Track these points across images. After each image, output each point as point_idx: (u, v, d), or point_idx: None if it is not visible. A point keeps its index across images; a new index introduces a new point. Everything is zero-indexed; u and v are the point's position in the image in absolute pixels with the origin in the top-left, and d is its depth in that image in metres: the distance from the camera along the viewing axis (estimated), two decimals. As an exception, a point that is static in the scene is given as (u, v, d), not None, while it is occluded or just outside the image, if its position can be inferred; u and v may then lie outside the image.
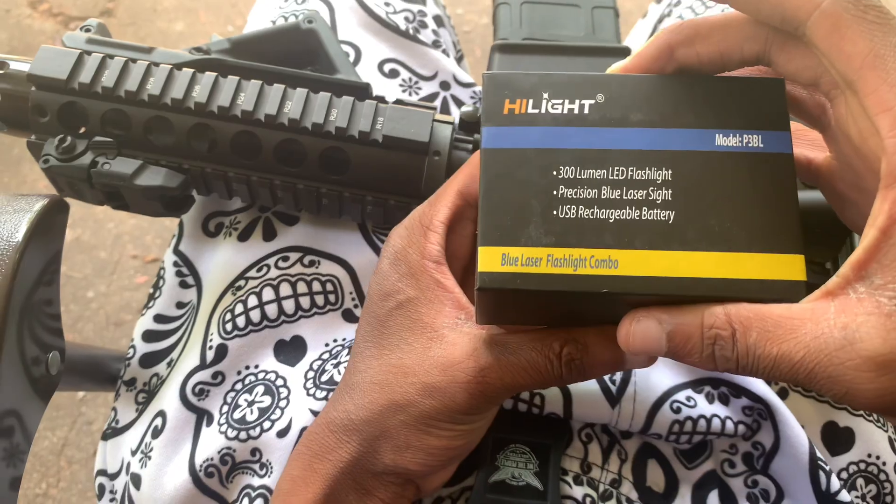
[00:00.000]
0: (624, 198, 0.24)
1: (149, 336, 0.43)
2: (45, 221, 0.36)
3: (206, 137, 0.38)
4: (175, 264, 0.43)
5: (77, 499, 0.98)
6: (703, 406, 0.35)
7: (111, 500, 0.40)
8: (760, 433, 0.36)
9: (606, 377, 0.35)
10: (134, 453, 0.39)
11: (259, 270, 0.40)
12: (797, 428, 0.34)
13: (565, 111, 0.25)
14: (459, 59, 0.57)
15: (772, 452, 0.35)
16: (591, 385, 0.34)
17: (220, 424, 0.37)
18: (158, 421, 0.38)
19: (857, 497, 0.36)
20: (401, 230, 0.30)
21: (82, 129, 0.39)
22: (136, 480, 0.38)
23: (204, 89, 0.38)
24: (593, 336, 0.26)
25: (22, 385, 0.35)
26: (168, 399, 0.39)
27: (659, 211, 0.24)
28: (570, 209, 0.24)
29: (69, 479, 0.99)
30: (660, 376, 0.35)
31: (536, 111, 0.25)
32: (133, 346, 0.43)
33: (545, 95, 0.25)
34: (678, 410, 0.34)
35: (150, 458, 0.37)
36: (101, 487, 0.41)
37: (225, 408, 0.37)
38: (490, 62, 0.46)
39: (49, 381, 0.37)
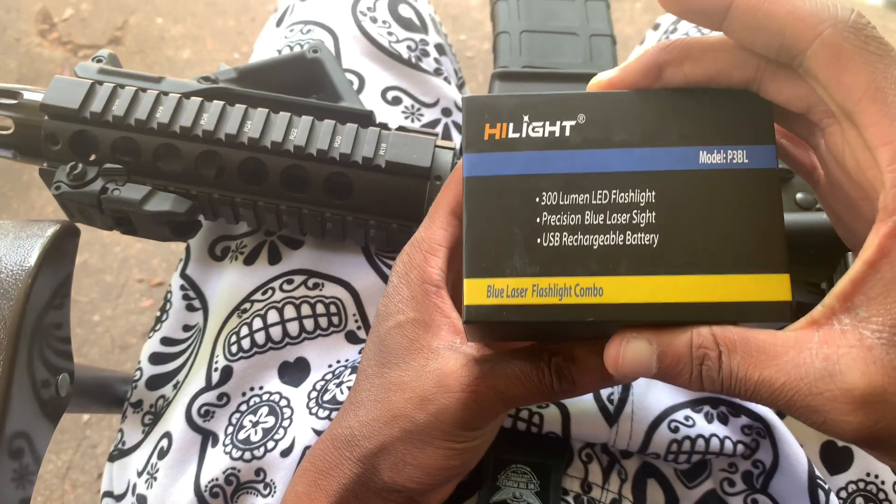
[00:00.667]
0: (608, 223, 0.24)
1: (155, 358, 0.44)
2: (56, 247, 0.37)
3: (214, 164, 0.39)
4: (182, 287, 0.44)
5: (81, 523, 0.98)
6: (701, 425, 0.35)
7: (117, 522, 0.40)
8: (759, 452, 0.36)
9: (604, 396, 0.35)
10: (140, 474, 0.39)
11: (264, 293, 0.40)
12: (796, 447, 0.34)
13: (546, 134, 0.25)
14: (461, 86, 0.58)
15: (771, 471, 0.35)
16: (589, 404, 0.35)
17: (226, 445, 0.37)
18: (164, 442, 0.39)
19: (856, 516, 0.36)
20: (404, 255, 0.31)
21: (93, 157, 0.40)
22: (143, 501, 0.38)
23: (212, 117, 0.39)
24: (581, 349, 0.26)
25: (31, 407, 0.36)
26: (174, 420, 0.39)
27: (643, 235, 0.24)
28: (553, 237, 0.24)
29: (73, 502, 0.99)
30: (657, 395, 0.36)
31: (517, 135, 0.25)
32: (140, 369, 0.44)
33: (525, 118, 0.25)
34: (676, 430, 0.35)
35: (155, 479, 0.38)
36: (108, 509, 0.41)
37: (230, 429, 0.38)
38: (490, 90, 0.47)
39: (58, 403, 0.37)
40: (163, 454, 0.38)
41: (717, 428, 0.35)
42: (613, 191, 0.24)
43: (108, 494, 0.41)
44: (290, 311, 0.40)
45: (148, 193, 0.39)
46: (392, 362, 0.29)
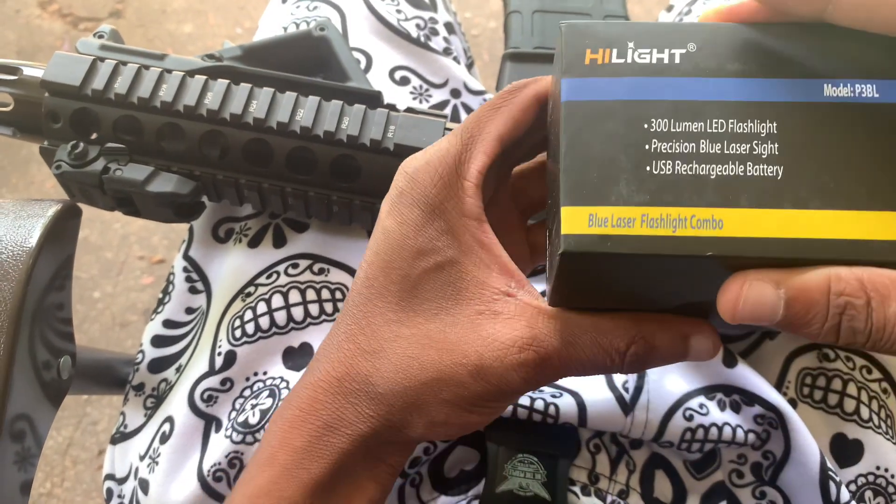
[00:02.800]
0: (726, 152, 0.22)
1: (158, 341, 0.43)
2: (58, 227, 0.36)
3: (218, 144, 0.38)
4: (185, 269, 0.44)
5: (81, 499, 0.99)
6: (715, 414, 0.35)
7: (119, 505, 0.40)
8: (770, 442, 0.36)
9: (619, 384, 0.35)
10: (142, 458, 0.39)
11: (269, 277, 0.40)
12: (809, 438, 0.34)
13: (654, 61, 0.23)
14: (470, 66, 0.57)
15: (781, 462, 0.35)
16: (605, 394, 0.35)
17: (227, 430, 0.37)
18: (167, 427, 0.39)
19: (865, 510, 0.36)
20: (431, 174, 0.26)
21: (94, 136, 0.39)
22: (145, 485, 0.38)
23: (216, 96, 0.38)
24: (661, 333, 0.24)
25: (33, 389, 0.35)
26: (176, 405, 0.39)
27: (765, 166, 0.22)
28: (665, 164, 0.22)
29: (74, 478, 1.00)
30: (672, 383, 0.35)
31: (622, 61, 0.23)
32: (142, 351, 0.44)
33: (630, 45, 0.23)
34: (690, 418, 0.34)
35: (157, 463, 0.38)
36: (110, 492, 0.41)
37: (233, 414, 0.38)
38: (501, 71, 0.46)
39: (60, 385, 0.37)
40: (165, 438, 0.38)
41: (729, 416, 0.35)
42: (731, 120, 0.22)
43: (110, 477, 0.41)
44: (294, 296, 0.39)
45: (151, 174, 0.38)
46: (428, 310, 0.25)
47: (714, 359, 0.36)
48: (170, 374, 0.42)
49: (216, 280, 0.42)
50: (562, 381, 0.35)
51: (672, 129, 0.22)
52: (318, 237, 0.41)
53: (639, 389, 0.35)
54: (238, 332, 0.39)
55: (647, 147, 0.22)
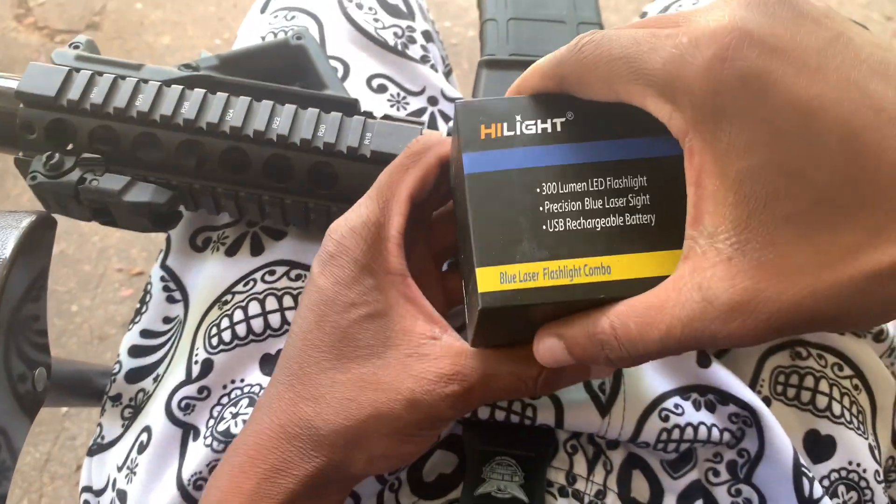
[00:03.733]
0: (607, 206, 0.25)
1: (135, 351, 0.43)
2: (32, 238, 0.36)
3: (195, 153, 0.38)
4: (162, 279, 0.43)
5: (60, 515, 0.97)
6: (690, 413, 0.35)
7: (97, 517, 0.40)
8: (745, 440, 0.36)
9: (595, 386, 0.35)
10: (120, 469, 0.39)
11: (246, 285, 0.40)
12: (782, 435, 0.35)
13: (539, 130, 0.26)
14: (448, 74, 0.58)
15: (756, 460, 0.36)
16: (582, 395, 0.35)
17: (206, 438, 0.37)
18: (144, 436, 0.38)
19: (838, 504, 0.37)
20: (356, 239, 0.29)
21: (70, 146, 0.39)
22: (122, 497, 0.37)
23: (193, 106, 0.38)
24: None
25: (8, 402, 0.35)
26: (154, 414, 0.39)
27: (640, 216, 0.25)
28: (558, 223, 0.25)
29: (52, 494, 0.98)
30: (649, 383, 0.36)
31: (512, 133, 0.26)
32: (119, 362, 0.43)
33: (518, 118, 0.26)
34: (666, 419, 0.35)
35: (135, 473, 0.37)
36: (87, 504, 0.40)
37: (211, 422, 0.37)
38: (477, 78, 0.47)
39: (35, 397, 0.37)
40: (142, 448, 0.38)
41: (704, 416, 0.36)
42: (608, 178, 0.25)
43: (87, 489, 0.41)
44: (271, 303, 0.39)
45: (127, 184, 0.38)
46: (361, 357, 0.28)
47: (689, 359, 0.36)
48: (147, 384, 0.42)
49: (193, 289, 0.42)
50: None
51: (560, 191, 0.26)
52: (296, 244, 0.41)
53: (615, 391, 0.35)
54: (215, 341, 0.38)
55: (540, 208, 0.25)
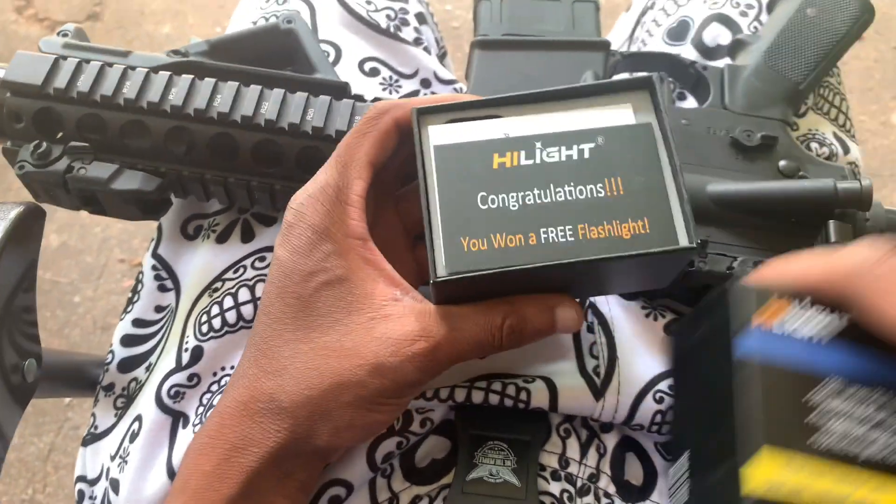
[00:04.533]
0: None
1: (127, 340, 0.43)
2: (21, 229, 0.36)
3: (183, 140, 0.38)
4: (154, 268, 0.43)
5: (64, 503, 0.98)
6: None
7: (91, 506, 0.40)
8: None
9: (590, 369, 0.35)
10: (113, 458, 0.39)
11: (236, 272, 0.40)
12: None
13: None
14: (442, 56, 0.57)
15: None
16: (576, 379, 0.35)
17: (195, 425, 0.36)
18: (136, 425, 0.38)
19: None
20: (315, 205, 0.28)
21: (59, 135, 0.39)
22: (115, 485, 0.37)
23: (180, 92, 0.38)
24: (530, 307, 0.28)
25: (0, 392, 0.35)
26: (145, 403, 0.38)
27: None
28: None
29: (55, 484, 0.99)
30: (643, 365, 0.35)
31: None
32: (112, 351, 0.43)
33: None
34: (661, 400, 0.34)
35: (127, 462, 0.37)
36: (81, 493, 0.40)
37: (200, 409, 0.37)
38: (469, 59, 0.46)
39: (26, 388, 0.36)
40: (134, 437, 0.38)
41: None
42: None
43: (82, 479, 0.41)
44: (261, 289, 0.39)
45: (115, 172, 0.38)
46: (323, 325, 0.27)
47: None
48: (140, 373, 0.42)
49: (185, 277, 0.42)
50: (534, 367, 0.35)
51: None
52: (287, 231, 0.41)
53: (610, 374, 0.35)
54: (205, 328, 0.38)
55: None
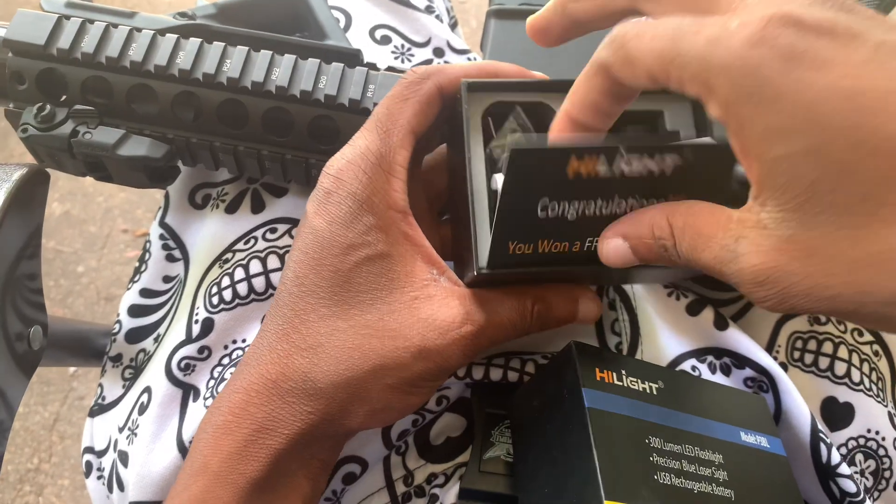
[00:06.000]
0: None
1: (135, 311, 0.42)
2: (24, 192, 0.35)
3: (191, 106, 0.37)
4: (161, 237, 0.42)
5: (69, 473, 0.98)
6: (706, 376, 0.34)
7: (99, 478, 0.39)
8: None
9: (612, 347, 0.35)
10: (121, 430, 0.38)
11: (247, 243, 0.39)
12: (800, 400, 0.34)
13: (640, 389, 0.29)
14: (453, 26, 0.55)
15: None
16: None
17: (206, 398, 0.36)
18: (145, 397, 0.38)
19: (855, 472, 0.36)
20: (356, 171, 0.27)
21: (63, 97, 0.37)
22: (124, 458, 0.37)
23: (188, 56, 0.36)
24: (555, 295, 0.28)
25: (4, 360, 0.34)
26: (154, 375, 0.38)
27: (723, 489, 0.27)
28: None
29: (61, 454, 0.99)
30: (665, 345, 0.35)
31: (620, 383, 0.28)
32: (119, 322, 0.42)
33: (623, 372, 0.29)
34: None
35: (136, 434, 0.37)
36: (89, 465, 0.40)
37: (211, 382, 0.37)
38: (485, 28, 0.45)
39: (32, 356, 0.36)
40: (143, 409, 0.37)
41: (719, 379, 0.34)
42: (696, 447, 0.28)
43: (90, 450, 0.40)
44: (273, 262, 0.38)
45: (122, 137, 0.36)
46: (363, 301, 0.26)
47: (706, 321, 0.35)
48: (148, 343, 0.41)
49: (193, 247, 0.41)
50: (553, 344, 0.34)
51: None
52: (298, 201, 0.40)
53: (632, 351, 0.34)
54: (215, 300, 0.37)
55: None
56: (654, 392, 0.29)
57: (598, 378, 0.28)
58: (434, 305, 0.26)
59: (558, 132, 0.25)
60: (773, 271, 0.20)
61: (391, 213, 0.27)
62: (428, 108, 0.28)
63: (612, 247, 0.25)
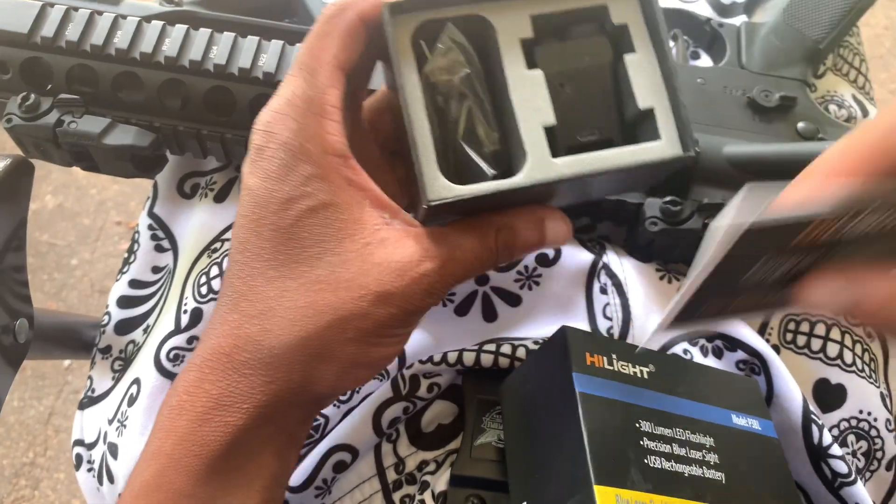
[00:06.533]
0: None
1: (124, 302, 0.42)
2: (8, 184, 0.34)
3: (178, 93, 0.36)
4: (150, 227, 0.42)
5: (65, 466, 0.98)
6: (698, 359, 0.34)
7: (89, 471, 0.39)
8: None
9: (603, 330, 0.34)
10: (111, 422, 0.38)
11: (235, 232, 0.38)
12: (791, 382, 0.34)
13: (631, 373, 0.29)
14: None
15: None
16: None
17: None
18: (134, 389, 0.37)
19: (847, 453, 0.36)
20: (284, 121, 0.25)
21: (48, 87, 0.37)
22: (114, 450, 0.37)
23: (174, 42, 0.36)
24: (518, 220, 0.27)
25: (-8, 353, 0.34)
26: (143, 366, 0.38)
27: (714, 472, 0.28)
28: None
29: (56, 447, 0.99)
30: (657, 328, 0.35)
31: (611, 368, 0.29)
32: (108, 313, 0.42)
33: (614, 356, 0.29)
34: None
35: (126, 426, 0.36)
36: (79, 457, 0.40)
37: (201, 373, 0.36)
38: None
39: (18, 349, 0.35)
40: (132, 401, 0.37)
41: (711, 362, 0.34)
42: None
43: (80, 443, 0.40)
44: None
45: (108, 126, 0.36)
46: (310, 256, 0.24)
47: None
48: (137, 335, 0.41)
49: (182, 237, 0.40)
50: (546, 329, 0.34)
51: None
52: (287, 190, 0.39)
53: (623, 336, 0.34)
54: (204, 289, 0.37)
55: None
56: (645, 376, 0.29)
57: (588, 363, 0.28)
58: (388, 248, 0.25)
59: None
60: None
61: (329, 159, 0.25)
62: (352, 40, 0.26)
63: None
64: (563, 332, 0.28)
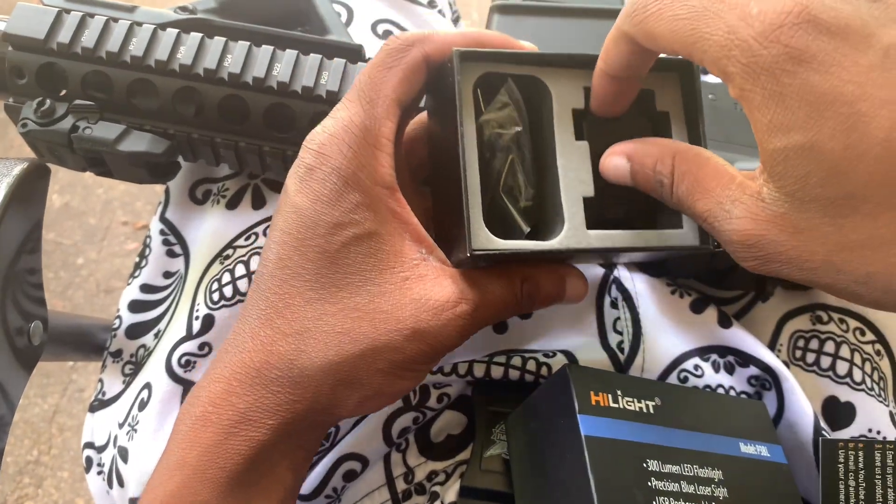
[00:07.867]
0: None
1: (135, 306, 0.42)
2: (24, 187, 0.34)
3: (193, 101, 0.37)
4: (162, 232, 0.42)
5: (69, 465, 0.98)
6: (709, 375, 0.34)
7: (99, 473, 0.39)
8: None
9: (614, 344, 0.35)
10: (121, 426, 0.38)
11: (247, 239, 0.38)
12: (803, 399, 0.34)
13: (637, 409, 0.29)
14: (456, 21, 0.55)
15: (774, 423, 0.35)
16: (599, 354, 0.34)
17: None
18: (145, 393, 0.38)
19: (855, 472, 0.36)
20: (339, 146, 0.25)
21: (63, 92, 0.37)
22: (124, 454, 0.37)
23: (189, 50, 0.36)
24: (542, 275, 0.28)
25: (5, 356, 0.34)
26: (154, 371, 0.38)
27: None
28: None
29: (60, 446, 0.99)
30: (668, 342, 0.35)
31: (616, 406, 0.29)
32: (119, 317, 0.42)
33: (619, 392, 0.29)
34: (685, 380, 0.34)
35: (136, 431, 0.37)
36: (89, 460, 0.40)
37: (213, 380, 0.36)
38: (488, 22, 0.44)
39: (32, 351, 0.36)
40: (143, 406, 0.37)
41: (723, 378, 0.34)
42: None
43: (90, 446, 0.40)
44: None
45: (122, 132, 0.36)
46: (353, 283, 0.25)
47: (710, 319, 0.35)
48: (148, 339, 0.41)
49: (194, 243, 0.41)
50: (556, 342, 0.34)
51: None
52: (299, 198, 0.39)
53: (634, 350, 0.34)
54: (216, 296, 0.37)
55: None
56: (651, 411, 0.29)
57: (593, 402, 0.28)
58: (426, 285, 0.25)
59: (598, 88, 0.27)
60: (761, 239, 0.22)
61: (378, 190, 0.25)
62: (413, 76, 0.27)
63: (614, 164, 0.26)
64: (566, 371, 0.28)
